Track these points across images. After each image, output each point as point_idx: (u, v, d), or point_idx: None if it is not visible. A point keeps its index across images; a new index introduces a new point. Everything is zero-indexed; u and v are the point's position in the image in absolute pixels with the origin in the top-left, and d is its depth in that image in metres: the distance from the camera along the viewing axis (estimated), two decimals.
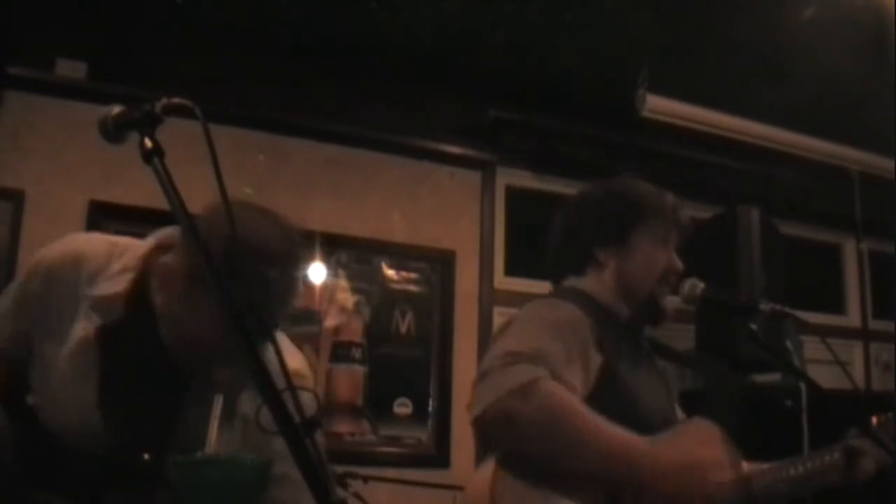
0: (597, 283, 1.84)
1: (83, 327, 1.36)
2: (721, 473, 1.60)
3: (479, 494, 1.51)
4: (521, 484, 1.51)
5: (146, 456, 1.35)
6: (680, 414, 1.92)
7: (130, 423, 1.35)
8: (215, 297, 1.24)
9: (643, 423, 1.62)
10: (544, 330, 1.60)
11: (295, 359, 1.56)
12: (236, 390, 1.43)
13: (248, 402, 1.45)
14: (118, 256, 1.41)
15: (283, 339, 1.55)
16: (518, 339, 1.58)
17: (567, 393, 1.52)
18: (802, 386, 3.23)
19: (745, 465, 1.80)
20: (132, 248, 1.42)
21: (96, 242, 1.46)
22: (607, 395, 1.63)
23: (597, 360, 1.66)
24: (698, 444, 1.67)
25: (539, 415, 1.47)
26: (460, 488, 3.26)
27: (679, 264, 1.89)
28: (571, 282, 1.87)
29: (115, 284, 1.37)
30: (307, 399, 1.51)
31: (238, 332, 1.01)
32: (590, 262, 1.85)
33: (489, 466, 1.53)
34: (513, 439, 1.51)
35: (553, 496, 1.51)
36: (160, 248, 1.41)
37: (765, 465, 1.81)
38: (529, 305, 1.72)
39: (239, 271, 1.23)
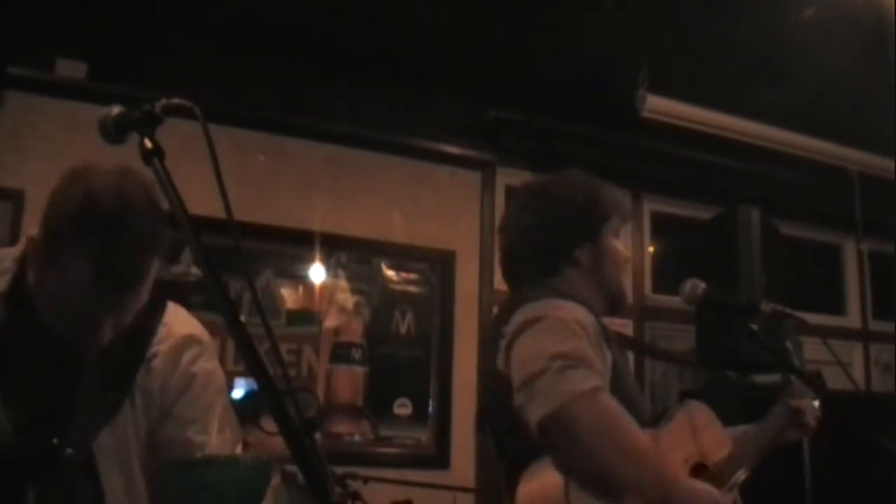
0: (573, 280, 1.87)
1: None
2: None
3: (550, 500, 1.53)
4: (587, 494, 1.54)
5: (55, 440, 1.36)
6: (646, 400, 2.01)
7: (37, 414, 1.36)
8: (71, 254, 1.27)
9: (639, 413, 1.70)
10: (573, 330, 1.64)
11: (190, 324, 1.58)
12: (128, 355, 1.46)
13: (146, 374, 1.48)
14: None
15: (177, 307, 1.58)
16: (555, 340, 1.61)
17: (620, 406, 1.59)
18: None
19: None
20: (9, 252, 1.45)
21: None
22: (618, 391, 1.68)
23: (609, 356, 1.72)
24: (693, 432, 1.79)
25: (600, 423, 1.53)
26: (460, 489, 3.27)
27: (626, 252, 1.98)
28: (548, 282, 1.86)
29: None
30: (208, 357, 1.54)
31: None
32: (568, 262, 1.88)
33: (546, 474, 1.56)
34: (572, 443, 1.54)
35: None
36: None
37: (734, 434, 1.93)
38: (538, 305, 1.71)
39: (98, 226, 1.27)
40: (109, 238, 1.29)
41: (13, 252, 1.45)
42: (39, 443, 1.36)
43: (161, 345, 1.51)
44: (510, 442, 1.69)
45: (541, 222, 1.90)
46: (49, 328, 1.38)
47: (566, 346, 1.59)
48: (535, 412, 1.54)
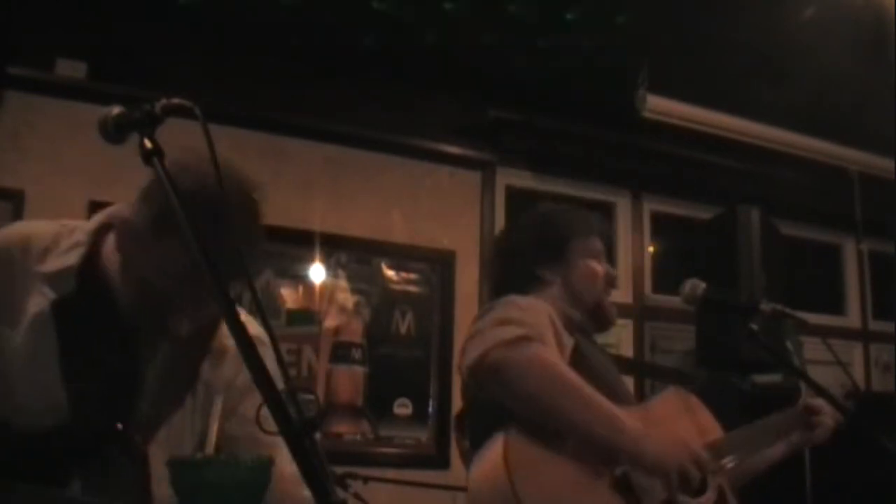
0: (546, 297, 1.91)
1: (37, 303, 1.35)
2: (696, 448, 1.66)
3: (493, 467, 1.53)
4: (532, 448, 1.55)
5: (119, 426, 1.35)
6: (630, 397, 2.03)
7: (94, 393, 1.35)
8: (183, 241, 1.23)
9: (614, 400, 1.69)
10: (523, 309, 1.72)
11: (252, 325, 1.56)
12: (196, 347, 1.44)
13: (212, 369, 1.47)
14: (68, 235, 1.41)
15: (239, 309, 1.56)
16: (503, 313, 1.68)
17: (555, 353, 1.63)
18: (802, 386, 3.23)
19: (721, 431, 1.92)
20: (81, 226, 1.43)
21: (43, 225, 1.46)
22: (581, 373, 1.69)
23: (569, 341, 1.78)
24: (678, 413, 1.83)
25: (531, 364, 1.56)
26: (460, 489, 3.26)
27: (614, 272, 2.01)
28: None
29: (66, 259, 1.37)
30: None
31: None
32: (535, 282, 1.93)
33: (488, 446, 1.57)
34: (506, 387, 1.58)
35: (562, 458, 1.57)
36: (109, 224, 1.42)
37: (734, 431, 1.94)
38: (500, 300, 1.82)
39: (208, 216, 1.22)
40: (217, 229, 1.25)
41: (87, 226, 1.42)
42: (99, 426, 1.34)
43: (228, 340, 1.47)
44: (483, 434, 1.71)
45: (504, 248, 2.05)
46: (120, 308, 1.36)
47: (508, 315, 1.66)
48: (466, 362, 1.62)
